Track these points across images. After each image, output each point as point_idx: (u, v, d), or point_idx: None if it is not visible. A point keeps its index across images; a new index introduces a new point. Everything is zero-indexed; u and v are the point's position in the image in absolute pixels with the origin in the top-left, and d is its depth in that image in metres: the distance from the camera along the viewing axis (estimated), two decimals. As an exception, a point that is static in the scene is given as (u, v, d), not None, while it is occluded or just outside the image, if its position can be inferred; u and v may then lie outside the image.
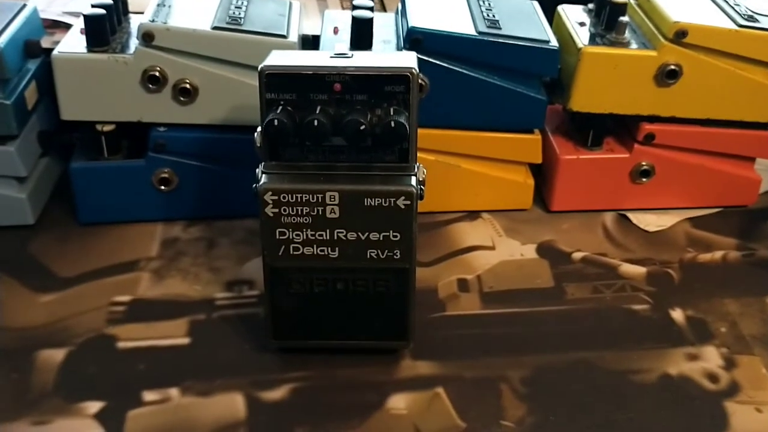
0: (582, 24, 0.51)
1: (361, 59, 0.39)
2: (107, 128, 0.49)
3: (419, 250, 0.49)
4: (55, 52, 0.47)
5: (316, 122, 0.37)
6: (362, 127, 0.37)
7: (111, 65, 0.47)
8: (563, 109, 0.52)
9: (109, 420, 0.39)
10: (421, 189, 0.39)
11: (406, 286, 0.40)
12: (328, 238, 0.39)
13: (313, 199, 0.38)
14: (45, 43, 0.52)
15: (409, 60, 0.39)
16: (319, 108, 0.38)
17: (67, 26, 0.56)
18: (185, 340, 0.44)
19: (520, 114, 0.50)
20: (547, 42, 0.48)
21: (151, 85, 0.47)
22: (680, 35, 0.48)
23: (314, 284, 0.40)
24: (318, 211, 0.39)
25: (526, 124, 0.51)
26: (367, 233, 0.39)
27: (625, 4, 0.49)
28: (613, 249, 0.51)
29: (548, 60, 0.48)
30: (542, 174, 0.54)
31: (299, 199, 0.38)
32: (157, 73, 0.47)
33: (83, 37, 0.48)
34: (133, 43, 0.48)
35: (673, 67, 0.48)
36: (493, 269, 0.49)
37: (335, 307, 0.41)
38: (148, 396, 0.40)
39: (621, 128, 0.53)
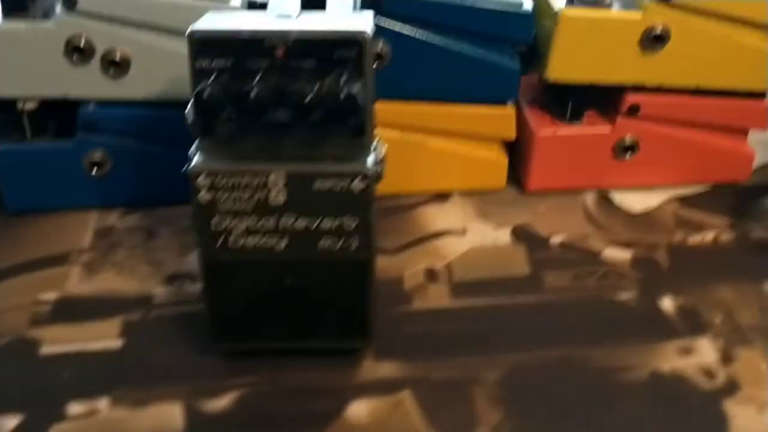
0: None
1: (308, 21, 0.34)
2: (29, 106, 0.44)
3: (382, 237, 0.44)
4: (-36, 19, 0.42)
5: (254, 92, 0.32)
6: (308, 99, 0.32)
7: (31, 34, 0.41)
8: (539, 80, 0.47)
9: (27, 438, 0.34)
10: (379, 169, 0.34)
11: (365, 280, 0.35)
12: (273, 227, 0.34)
13: (254, 181, 0.33)
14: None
15: (363, 22, 0.34)
16: (258, 77, 0.33)
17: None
18: (117, 343, 0.39)
19: (491, 85, 0.45)
20: (520, 5, 0.43)
21: (76, 57, 0.42)
22: (667, -5, 0.43)
23: (259, 281, 0.35)
24: (261, 195, 0.34)
25: (498, 96, 0.46)
26: (317, 220, 0.34)
27: (605, -38, 0.44)
28: (596, 232, 0.46)
29: (522, 25, 0.43)
30: (516, 151, 0.49)
31: (238, 183, 0.33)
32: (82, 43, 0.42)
33: (-1, 2, 0.43)
34: (58, 8, 0.43)
35: (659, 30, 0.44)
36: (464, 257, 0.44)
37: (284, 305, 0.36)
38: (73, 408, 0.35)
39: (602, 99, 0.48)
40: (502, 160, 0.48)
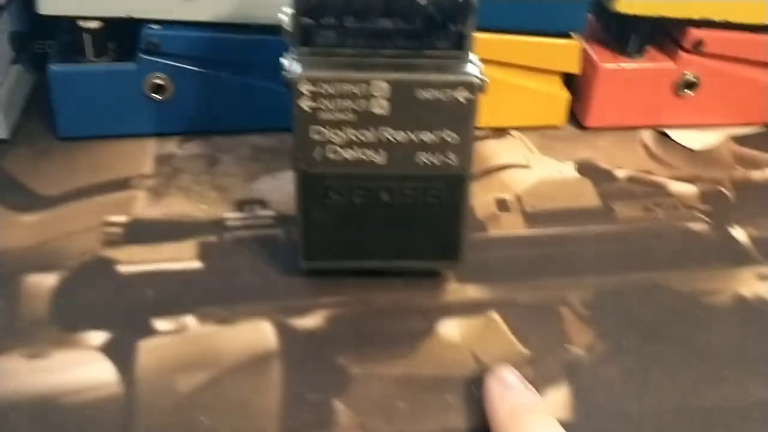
0: None
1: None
2: (92, 25, 0.42)
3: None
4: (31, -70, 0.40)
5: (365, -4, 0.31)
6: (423, 2, 0.31)
7: (98, -52, 0.40)
8: (598, 13, 0.47)
9: (118, 352, 0.33)
10: (483, 80, 0.33)
11: (462, 197, 0.35)
12: (373, 138, 0.33)
13: (357, 90, 0.33)
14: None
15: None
16: (365, -20, 0.32)
17: None
18: (196, 264, 0.38)
19: (557, 15, 0.45)
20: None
21: (145, -28, 0.41)
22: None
23: (355, 194, 0.35)
24: (363, 105, 0.33)
25: (563, 27, 0.46)
26: (418, 133, 0.33)
27: None
28: (657, 167, 0.46)
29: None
30: (574, 86, 0.49)
31: (342, 91, 0.33)
32: (152, -42, 0.41)
33: None
34: None
35: (731, -37, 0.44)
36: (531, 188, 0.44)
37: (377, 221, 0.35)
38: (161, 325, 0.34)
39: (662, 35, 0.48)
40: (564, 95, 0.48)
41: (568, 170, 0.46)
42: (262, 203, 0.42)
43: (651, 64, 0.47)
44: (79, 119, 0.44)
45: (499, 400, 0.31)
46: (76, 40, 0.43)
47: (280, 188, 0.43)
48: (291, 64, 0.33)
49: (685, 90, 0.48)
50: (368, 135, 0.33)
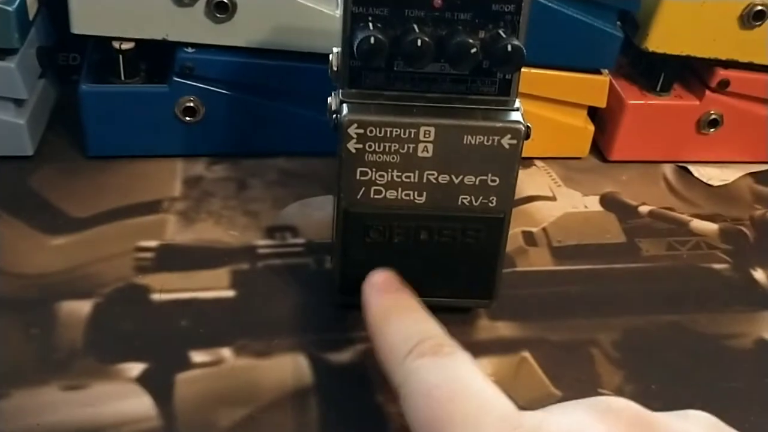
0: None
1: (462, -27, 0.33)
2: (126, 46, 0.42)
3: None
4: (70, -49, 0.40)
5: (419, 42, 0.31)
6: (473, 50, 0.32)
7: (137, -29, 0.40)
8: (625, 48, 0.48)
9: (155, 384, 0.33)
10: (528, 127, 0.34)
11: (499, 238, 0.35)
12: (416, 180, 0.34)
13: (405, 134, 0.33)
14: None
15: (516, -23, 0.34)
16: (415, 26, 0.32)
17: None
18: (230, 293, 0.38)
19: (590, 51, 0.45)
20: (630, -28, 0.43)
21: (183, -4, 0.41)
22: (770, -28, 0.44)
23: (394, 233, 0.35)
24: (409, 148, 0.33)
25: (594, 63, 0.46)
26: (461, 176, 0.34)
27: (713, -65, 0.45)
28: (679, 203, 0.47)
29: (631, -9, 0.44)
30: (598, 119, 0.49)
31: (389, 134, 0.33)
32: (191, -17, 0.41)
33: (100, -63, 0.41)
34: (163, -54, 0.41)
35: (760, 6, 0.44)
36: (558, 221, 0.44)
37: (415, 259, 0.35)
38: (197, 357, 0.35)
39: (689, 73, 0.48)
40: (589, 127, 0.48)
41: (592, 204, 0.46)
42: (293, 230, 0.42)
43: (677, 102, 0.48)
44: (107, 139, 0.44)
45: (371, 302, 0.33)
46: (107, 59, 0.43)
47: (309, 215, 0.43)
48: (338, 105, 0.33)
49: (709, 128, 0.48)
50: (412, 177, 0.34)
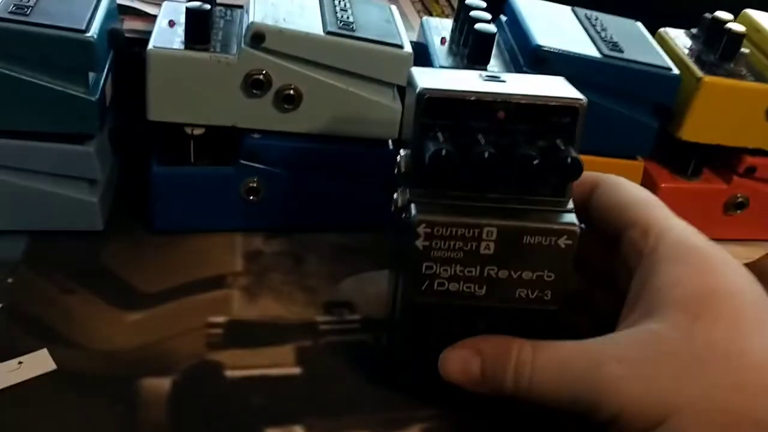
0: (690, 50, 0.49)
1: (519, 84, 0.37)
2: (197, 131, 0.45)
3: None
4: (150, 47, 0.43)
5: (486, 154, 0.34)
6: (535, 162, 0.35)
7: (212, 65, 0.43)
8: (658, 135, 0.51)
9: (236, 462, 0.36)
10: (582, 227, 0.36)
11: (552, 328, 0.38)
12: (477, 274, 0.37)
13: (468, 233, 0.36)
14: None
15: (570, 88, 0.37)
16: (481, 137, 0.35)
17: (135, 11, 0.51)
18: (296, 370, 0.41)
19: (627, 139, 0.48)
20: (670, 69, 0.46)
21: (254, 90, 0.44)
22: (795, 69, 0.47)
23: (454, 322, 0.38)
24: (472, 246, 0.36)
25: (631, 151, 0.49)
26: (519, 272, 0.37)
27: (743, 35, 0.48)
28: (708, 281, 0.50)
29: (669, 87, 0.47)
30: (630, 199, 0.52)
31: (454, 233, 0.36)
32: (261, 77, 0.43)
33: (175, 31, 0.44)
34: (234, 42, 0.44)
35: (787, 102, 0.47)
36: (595, 300, 0.47)
37: (473, 347, 0.38)
38: (271, 434, 0.37)
39: (717, 158, 0.52)
40: (623, 208, 0.51)
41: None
42: (350, 306, 0.45)
43: (706, 185, 0.51)
44: (174, 215, 0.47)
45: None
46: (177, 142, 0.46)
47: (363, 290, 0.46)
48: (405, 203, 0.36)
49: (735, 210, 0.51)
50: (474, 271, 0.37)
